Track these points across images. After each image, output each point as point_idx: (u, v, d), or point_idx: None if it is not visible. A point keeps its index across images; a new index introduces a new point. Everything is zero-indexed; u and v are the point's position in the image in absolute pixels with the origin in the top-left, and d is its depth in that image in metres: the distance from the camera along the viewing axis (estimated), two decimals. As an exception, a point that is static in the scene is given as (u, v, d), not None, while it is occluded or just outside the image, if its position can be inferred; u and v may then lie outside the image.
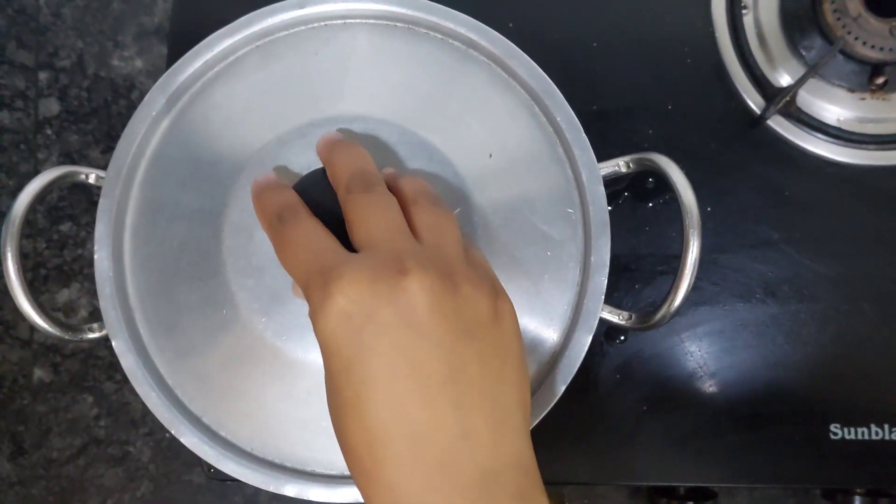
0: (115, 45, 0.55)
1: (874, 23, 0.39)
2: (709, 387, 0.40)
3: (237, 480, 0.32)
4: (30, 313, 0.33)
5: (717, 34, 0.43)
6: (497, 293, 0.26)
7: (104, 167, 0.34)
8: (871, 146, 0.41)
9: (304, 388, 0.32)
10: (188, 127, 0.34)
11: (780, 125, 0.42)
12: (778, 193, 0.42)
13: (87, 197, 0.55)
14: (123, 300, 0.33)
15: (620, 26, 0.43)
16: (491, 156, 0.33)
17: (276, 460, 0.33)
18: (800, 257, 0.41)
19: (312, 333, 0.32)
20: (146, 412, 0.51)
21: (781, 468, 0.39)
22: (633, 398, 0.40)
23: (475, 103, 0.34)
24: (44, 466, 0.54)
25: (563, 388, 0.32)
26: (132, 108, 0.53)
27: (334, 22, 0.35)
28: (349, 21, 0.35)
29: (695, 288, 0.32)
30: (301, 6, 0.34)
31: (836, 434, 0.39)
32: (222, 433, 0.33)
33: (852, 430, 0.39)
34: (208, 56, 0.35)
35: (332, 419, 0.25)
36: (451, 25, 0.34)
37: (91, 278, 0.54)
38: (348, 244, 0.27)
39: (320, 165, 0.32)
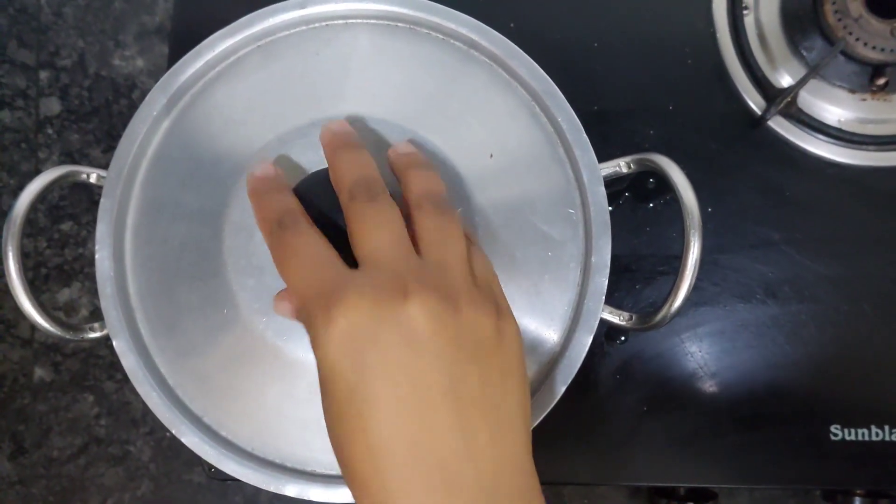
0: (116, 45, 0.56)
1: (875, 24, 0.39)
2: (709, 387, 0.40)
3: (238, 480, 0.32)
4: (31, 312, 0.33)
5: (717, 35, 0.43)
6: (499, 312, 0.26)
7: (105, 167, 0.34)
8: (871, 147, 0.41)
9: (304, 387, 0.32)
10: (189, 127, 0.35)
11: (780, 126, 0.42)
12: (778, 194, 0.42)
13: (88, 196, 0.55)
14: (124, 300, 0.33)
15: (621, 27, 0.43)
16: (492, 156, 0.33)
17: (277, 460, 0.33)
18: (800, 258, 0.41)
19: (313, 333, 0.32)
20: (147, 411, 0.52)
21: (782, 469, 0.39)
22: (634, 398, 0.40)
23: (476, 103, 0.34)
24: (44, 465, 0.54)
25: (563, 389, 0.32)
26: (133, 107, 0.53)
27: (336, 22, 0.35)
28: (350, 21, 0.35)
29: (695, 288, 0.32)
30: (302, 6, 0.34)
31: (836, 435, 0.39)
32: (223, 433, 0.33)
33: (853, 430, 0.39)
34: (209, 56, 0.35)
35: (332, 439, 0.25)
36: (452, 26, 0.34)
37: (92, 277, 0.54)
38: (348, 247, 0.27)
39: (322, 166, 0.32)
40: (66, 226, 0.55)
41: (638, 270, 0.41)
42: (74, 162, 0.55)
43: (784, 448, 0.40)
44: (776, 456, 0.40)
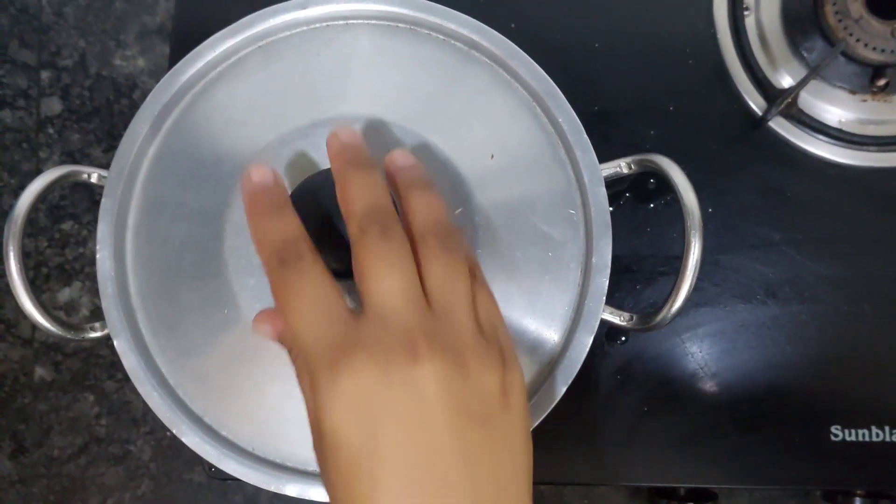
0: (117, 45, 0.56)
1: (876, 25, 0.39)
2: (710, 387, 0.40)
3: (238, 480, 0.32)
4: (32, 312, 0.33)
5: (718, 35, 0.43)
6: (505, 362, 0.25)
7: (106, 166, 0.34)
8: (872, 148, 0.41)
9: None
10: (190, 127, 0.35)
11: (781, 126, 0.42)
12: (779, 194, 0.42)
13: (89, 196, 0.55)
14: (125, 300, 0.33)
15: (622, 27, 0.43)
16: (493, 156, 0.33)
17: (277, 460, 0.33)
18: (801, 258, 0.41)
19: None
20: (147, 411, 0.51)
21: (782, 469, 0.39)
22: (634, 399, 0.40)
23: (477, 104, 0.34)
24: (45, 465, 0.54)
25: (563, 389, 0.32)
26: (134, 107, 0.53)
27: (336, 22, 0.35)
28: (351, 22, 0.35)
29: (696, 289, 0.32)
30: (303, 7, 0.34)
31: (836, 435, 0.39)
32: (223, 432, 0.33)
33: (853, 431, 0.39)
34: (210, 56, 0.35)
35: (333, 502, 0.24)
36: (453, 26, 0.34)
37: (92, 277, 0.54)
38: (348, 254, 0.26)
39: (324, 167, 0.32)
40: (66, 225, 0.55)
41: (638, 271, 0.41)
42: (75, 162, 0.55)
43: (784, 448, 0.40)
44: (776, 456, 0.40)
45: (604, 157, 0.33)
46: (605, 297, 0.32)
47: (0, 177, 0.55)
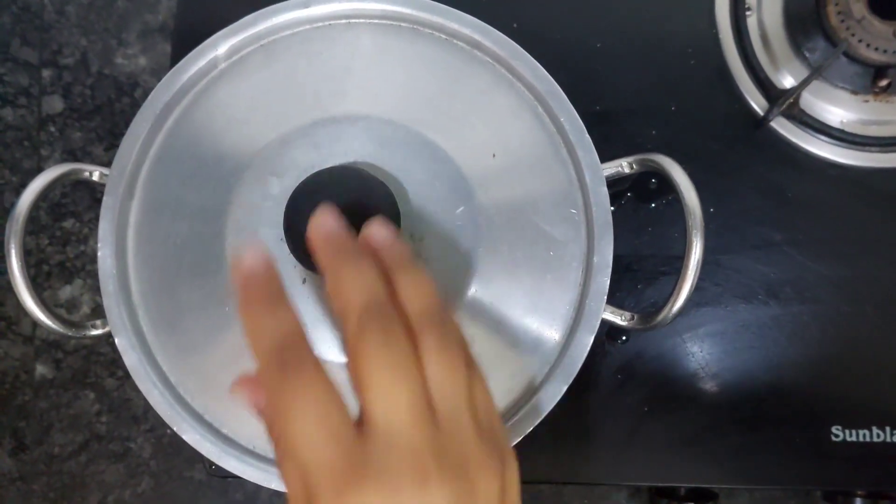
0: (118, 43, 0.56)
1: (878, 25, 0.39)
2: (710, 387, 0.40)
3: (238, 477, 0.32)
4: (33, 309, 0.33)
5: (720, 35, 0.43)
6: (504, 461, 0.24)
7: (107, 164, 0.34)
8: (873, 148, 0.41)
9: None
10: (192, 125, 0.35)
11: (783, 127, 0.42)
12: (780, 195, 0.42)
13: (90, 194, 0.55)
14: (126, 297, 0.33)
15: (624, 27, 0.43)
16: (494, 156, 0.33)
17: (278, 458, 0.33)
18: (802, 259, 0.41)
19: (314, 331, 0.32)
20: (147, 408, 0.51)
21: (782, 470, 0.39)
22: (635, 398, 0.40)
23: (479, 104, 0.34)
24: (45, 462, 0.54)
25: (564, 388, 0.32)
26: (135, 105, 0.53)
27: (338, 22, 0.35)
28: (353, 21, 0.35)
29: (697, 289, 0.32)
30: (305, 6, 0.34)
31: (837, 436, 0.39)
32: (224, 430, 0.33)
33: (854, 432, 0.39)
34: (212, 55, 0.35)
35: None
36: (455, 26, 0.34)
37: (93, 275, 0.54)
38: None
39: (323, 166, 0.32)
40: (67, 223, 0.55)
41: (640, 270, 0.41)
42: (76, 160, 0.55)
43: (785, 449, 0.40)
44: (777, 457, 0.40)
45: (605, 156, 0.33)
46: (606, 297, 0.32)
47: (2, 174, 0.55)
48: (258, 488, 0.53)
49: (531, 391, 0.32)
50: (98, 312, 0.51)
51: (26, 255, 0.33)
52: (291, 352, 0.23)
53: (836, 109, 0.42)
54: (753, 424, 0.40)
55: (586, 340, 0.32)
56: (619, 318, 0.33)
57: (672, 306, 0.32)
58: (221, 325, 0.33)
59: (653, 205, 0.42)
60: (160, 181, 0.34)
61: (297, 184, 0.31)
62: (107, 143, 0.55)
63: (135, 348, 0.33)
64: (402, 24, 0.35)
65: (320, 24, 0.35)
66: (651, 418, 0.40)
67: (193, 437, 0.32)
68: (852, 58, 0.41)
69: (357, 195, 0.30)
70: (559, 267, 0.32)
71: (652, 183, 0.41)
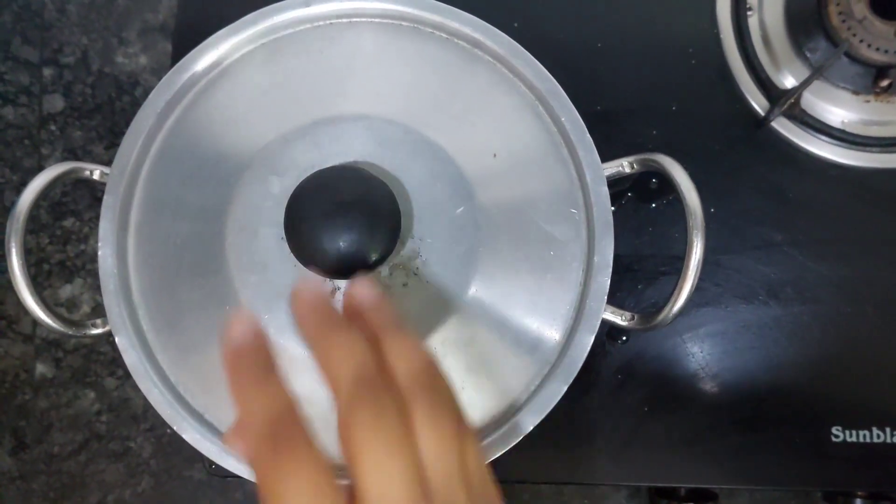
0: (119, 42, 0.56)
1: (879, 25, 0.39)
2: (711, 388, 0.40)
3: (238, 476, 0.32)
4: (34, 308, 0.33)
5: (721, 36, 0.43)
6: None
7: (108, 163, 0.34)
8: (874, 149, 0.41)
9: (305, 385, 0.32)
10: (192, 124, 0.35)
11: (784, 127, 0.42)
12: (781, 195, 0.41)
13: (91, 193, 0.55)
14: (127, 297, 0.33)
15: (625, 27, 0.43)
16: (495, 156, 0.33)
17: (278, 457, 0.33)
18: (803, 259, 0.41)
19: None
20: (147, 408, 0.51)
21: (783, 470, 0.39)
22: (635, 399, 0.40)
23: (480, 103, 0.34)
24: (45, 461, 0.54)
25: (564, 388, 0.32)
26: (136, 104, 0.53)
27: (339, 21, 0.35)
28: (354, 20, 0.35)
29: (697, 289, 0.31)
30: (306, 4, 0.34)
31: (837, 437, 0.39)
32: (224, 429, 0.33)
33: (854, 432, 0.39)
34: (213, 54, 0.35)
35: None
36: (456, 25, 0.34)
37: (93, 274, 0.54)
38: (343, 254, 0.26)
39: (324, 166, 0.32)
40: (68, 222, 0.55)
41: (640, 270, 0.41)
42: (77, 159, 0.55)
43: (785, 449, 0.40)
44: (777, 457, 0.40)
45: (606, 156, 0.33)
46: (606, 297, 0.32)
47: (2, 173, 0.55)
48: (258, 488, 0.53)
49: (531, 391, 0.32)
50: (98, 311, 0.51)
51: (27, 253, 0.33)
52: (283, 431, 0.22)
53: (837, 110, 0.42)
54: (754, 425, 0.40)
55: (586, 340, 0.32)
56: (619, 319, 0.33)
57: (672, 306, 0.32)
58: (221, 324, 0.33)
59: (653, 205, 0.42)
60: (161, 180, 0.34)
61: (298, 183, 0.31)
62: (107, 141, 0.55)
63: (135, 347, 0.33)
64: (403, 23, 0.35)
65: (321, 23, 0.35)
66: (651, 418, 0.40)
67: (193, 436, 0.32)
68: (853, 58, 0.41)
69: (357, 195, 0.30)
70: (559, 267, 0.32)
71: (652, 183, 0.41)
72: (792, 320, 0.41)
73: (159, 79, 0.35)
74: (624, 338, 0.41)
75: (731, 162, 0.42)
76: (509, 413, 0.32)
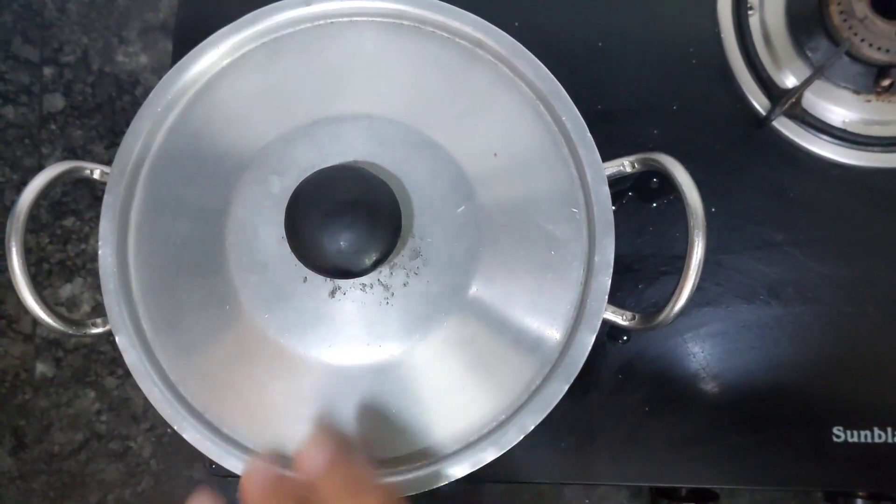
0: (119, 41, 0.55)
1: (880, 24, 0.39)
2: (711, 388, 0.40)
3: (238, 476, 0.32)
4: (34, 308, 0.33)
5: (722, 35, 0.43)
6: None
7: (108, 163, 0.34)
8: (876, 148, 0.41)
9: (306, 385, 0.32)
10: (193, 124, 0.35)
11: (785, 126, 0.42)
12: (782, 195, 0.41)
13: (91, 192, 0.55)
14: (127, 296, 0.33)
15: (626, 26, 0.43)
16: (496, 155, 0.33)
17: (278, 457, 0.33)
18: (804, 259, 0.41)
19: (315, 330, 0.32)
20: (147, 407, 0.51)
21: (783, 470, 0.39)
22: (636, 398, 0.40)
23: (481, 102, 0.34)
24: (45, 461, 0.54)
25: (565, 388, 0.32)
26: (136, 104, 0.53)
27: (340, 20, 0.35)
28: (355, 19, 0.35)
29: (698, 289, 0.31)
30: (307, 3, 0.34)
31: (838, 437, 0.39)
32: (224, 429, 0.33)
33: (855, 432, 0.39)
34: (213, 53, 0.35)
35: None
36: (457, 24, 0.34)
37: (94, 273, 0.54)
38: (344, 255, 0.26)
39: (324, 165, 0.32)
40: (68, 222, 0.55)
41: (641, 270, 0.41)
42: (77, 158, 0.55)
43: (786, 449, 0.39)
44: (778, 457, 0.39)
45: (607, 155, 0.33)
46: (607, 297, 0.32)
47: (2, 172, 0.55)
48: (258, 487, 0.53)
49: (532, 391, 0.32)
50: (98, 311, 0.51)
51: (27, 253, 0.33)
52: None
53: (839, 109, 0.42)
54: (754, 425, 0.40)
55: (587, 340, 0.32)
56: (620, 318, 0.33)
57: (673, 306, 0.32)
58: (221, 324, 0.33)
59: (654, 204, 0.42)
60: (161, 180, 0.34)
61: (299, 183, 0.30)
62: (107, 141, 0.55)
63: (135, 347, 0.33)
64: (404, 23, 0.35)
65: (321, 22, 0.35)
66: (652, 418, 0.40)
67: (194, 435, 0.32)
68: (855, 57, 0.41)
69: (358, 194, 0.29)
70: (560, 266, 0.32)
71: (653, 182, 0.41)
72: (793, 320, 0.40)
73: (160, 78, 0.34)
74: (625, 338, 0.41)
75: (732, 161, 0.42)
76: (509, 413, 0.32)
